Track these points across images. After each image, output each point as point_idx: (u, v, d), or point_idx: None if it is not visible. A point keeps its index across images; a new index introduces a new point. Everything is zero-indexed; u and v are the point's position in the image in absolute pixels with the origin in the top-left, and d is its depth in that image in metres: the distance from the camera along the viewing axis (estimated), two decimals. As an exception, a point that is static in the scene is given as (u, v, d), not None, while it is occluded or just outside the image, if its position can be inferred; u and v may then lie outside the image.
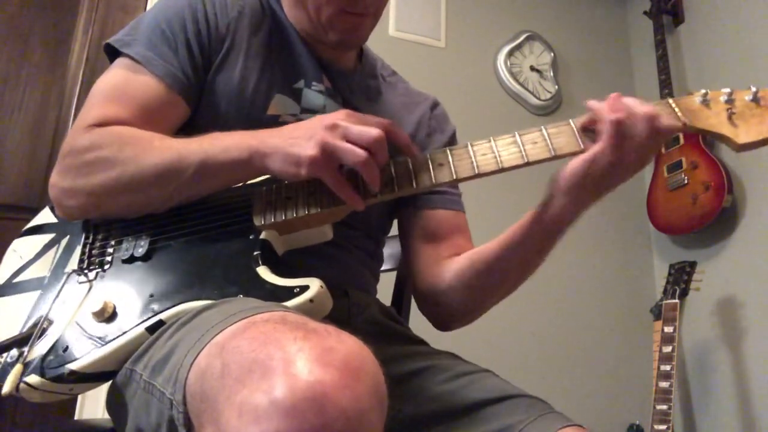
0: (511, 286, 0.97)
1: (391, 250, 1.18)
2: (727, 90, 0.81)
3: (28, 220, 0.96)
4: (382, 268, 1.14)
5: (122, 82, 0.90)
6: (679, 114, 0.82)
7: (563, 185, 0.82)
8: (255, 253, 0.79)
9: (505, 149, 0.82)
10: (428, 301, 1.02)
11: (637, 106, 0.79)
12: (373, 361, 0.52)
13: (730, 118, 0.80)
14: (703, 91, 0.83)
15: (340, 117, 0.78)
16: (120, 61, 0.92)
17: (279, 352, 0.49)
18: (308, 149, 0.75)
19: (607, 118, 0.78)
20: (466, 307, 0.99)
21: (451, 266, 0.98)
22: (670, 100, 0.83)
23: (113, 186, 0.82)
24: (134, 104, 0.87)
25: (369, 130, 0.77)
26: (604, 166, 0.79)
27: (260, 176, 0.84)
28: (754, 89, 0.81)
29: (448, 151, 0.84)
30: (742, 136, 0.79)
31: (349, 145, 0.76)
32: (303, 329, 0.53)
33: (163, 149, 0.81)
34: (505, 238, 0.92)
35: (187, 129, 0.90)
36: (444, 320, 1.02)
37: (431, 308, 1.02)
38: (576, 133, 0.82)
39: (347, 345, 0.52)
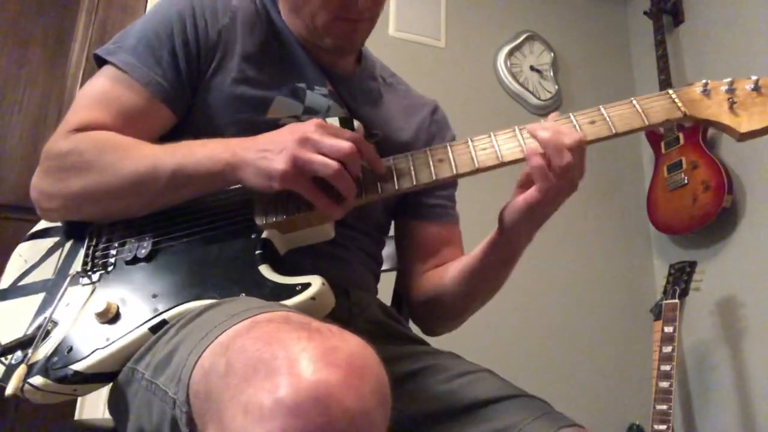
0: (476, 306, 1.02)
1: (390, 249, 1.18)
2: (728, 79, 0.81)
3: (28, 220, 0.97)
4: (382, 268, 1.15)
5: (106, 89, 0.91)
6: (680, 104, 0.82)
7: (509, 223, 0.87)
8: (257, 252, 0.79)
9: (505, 143, 0.83)
10: (411, 310, 1.10)
11: (558, 140, 0.79)
12: (376, 361, 0.53)
13: (731, 107, 0.80)
14: (704, 81, 0.83)
15: (310, 129, 0.78)
16: (105, 69, 0.93)
17: (283, 352, 0.50)
18: (278, 163, 0.76)
19: (529, 164, 0.81)
20: (435, 321, 1.07)
21: (425, 282, 1.05)
22: (671, 91, 0.83)
23: (90, 192, 0.84)
24: (117, 111, 0.89)
25: (340, 143, 0.77)
26: (545, 203, 0.82)
27: (235, 186, 0.85)
28: (754, 78, 0.81)
29: (449, 146, 0.85)
30: (744, 125, 0.79)
31: (320, 158, 0.76)
32: (307, 329, 0.53)
33: (139, 158, 0.83)
34: (466, 266, 0.97)
35: (185, 135, 0.89)
36: (423, 328, 1.10)
37: (413, 316, 1.10)
38: (576, 124, 0.82)
39: (351, 344, 0.52)
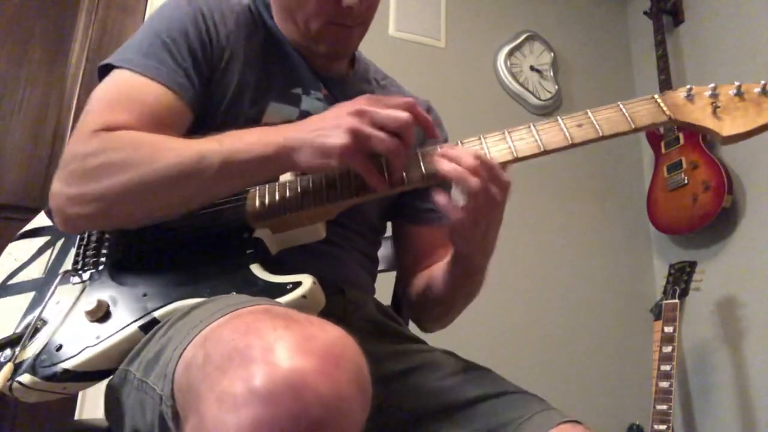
0: (460, 304, 1.03)
1: (386, 251, 1.19)
2: (712, 85, 0.84)
3: (28, 221, 0.97)
4: (380, 269, 1.16)
5: (125, 92, 0.86)
6: (665, 108, 0.83)
7: (454, 241, 0.88)
8: (248, 251, 0.79)
9: (494, 145, 0.84)
10: (406, 309, 1.11)
11: (474, 161, 0.78)
12: (355, 350, 0.52)
13: (714, 111, 0.82)
14: (688, 86, 0.85)
15: (363, 102, 0.77)
16: (119, 73, 0.88)
17: (259, 341, 0.50)
18: (337, 138, 0.74)
19: (454, 187, 0.81)
20: (426, 318, 1.08)
21: (417, 282, 1.07)
22: (656, 96, 0.85)
23: (127, 189, 0.77)
24: (141, 112, 0.84)
25: (397, 114, 0.76)
26: (478, 218, 0.82)
27: (286, 172, 0.83)
28: (737, 84, 0.83)
29: (439, 148, 0.85)
30: (727, 129, 0.81)
31: (381, 133, 0.75)
32: (284, 319, 0.53)
33: (181, 149, 0.78)
34: (445, 268, 0.98)
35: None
36: (418, 325, 1.11)
37: (410, 315, 1.12)
38: (564, 128, 0.83)
39: (329, 333, 0.52)
